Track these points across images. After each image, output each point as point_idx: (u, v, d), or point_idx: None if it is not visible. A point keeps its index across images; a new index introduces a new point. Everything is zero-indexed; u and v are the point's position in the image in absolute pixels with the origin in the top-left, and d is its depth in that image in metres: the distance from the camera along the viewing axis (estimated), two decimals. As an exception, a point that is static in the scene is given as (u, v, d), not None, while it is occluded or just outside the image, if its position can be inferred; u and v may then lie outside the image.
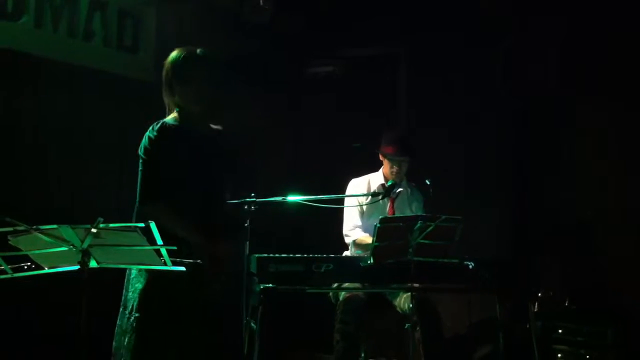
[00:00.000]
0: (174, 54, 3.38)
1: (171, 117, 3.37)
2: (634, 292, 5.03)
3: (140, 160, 3.26)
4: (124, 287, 3.27)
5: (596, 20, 5.39)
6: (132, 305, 3.18)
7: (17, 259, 2.84)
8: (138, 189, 3.24)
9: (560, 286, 5.20)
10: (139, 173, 3.25)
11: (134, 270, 3.22)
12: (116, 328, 3.24)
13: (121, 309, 3.25)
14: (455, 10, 5.78)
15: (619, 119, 5.32)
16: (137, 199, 3.24)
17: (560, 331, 4.93)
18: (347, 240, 4.68)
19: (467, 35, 5.75)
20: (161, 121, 3.32)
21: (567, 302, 5.13)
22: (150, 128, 3.29)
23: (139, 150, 3.27)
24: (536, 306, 4.95)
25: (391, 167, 4.65)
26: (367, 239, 4.51)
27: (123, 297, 3.26)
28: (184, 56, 3.34)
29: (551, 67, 5.68)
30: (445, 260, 3.90)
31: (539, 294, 4.95)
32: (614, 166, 5.35)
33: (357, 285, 4.16)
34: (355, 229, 4.66)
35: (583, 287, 5.25)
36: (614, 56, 5.35)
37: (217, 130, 3.46)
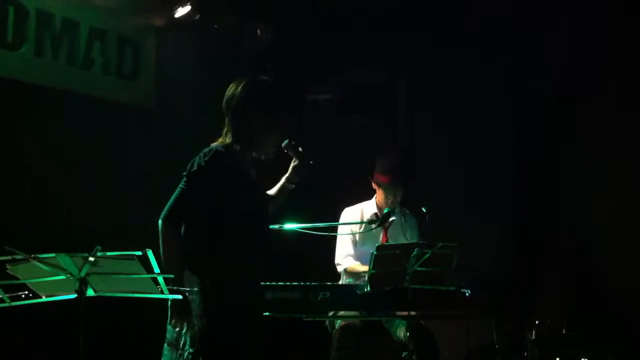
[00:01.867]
0: (258, 83, 3.28)
1: (228, 141, 3.23)
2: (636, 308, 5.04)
3: (183, 180, 3.15)
4: (168, 322, 3.16)
5: (596, 33, 5.42)
6: (185, 341, 3.10)
7: (14, 288, 2.86)
8: (167, 204, 3.16)
9: (558, 312, 5.19)
10: (177, 190, 3.16)
11: None
12: None
13: (165, 345, 3.16)
14: (453, 26, 5.81)
15: (619, 132, 5.35)
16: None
17: (558, 359, 4.91)
18: (339, 269, 4.64)
19: (467, 49, 5.79)
20: (214, 147, 3.19)
21: (565, 329, 5.12)
22: (202, 153, 3.16)
23: (187, 170, 3.16)
24: (534, 333, 4.94)
25: (386, 197, 4.61)
26: (359, 266, 4.50)
27: (169, 334, 3.16)
28: (274, 90, 3.28)
29: (550, 80, 5.73)
30: (442, 288, 3.91)
31: (537, 321, 4.94)
32: (614, 180, 5.37)
33: (354, 313, 4.17)
34: (346, 258, 4.61)
35: (584, 301, 5.24)
36: (614, 70, 5.38)
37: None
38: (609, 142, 5.38)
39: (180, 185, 3.17)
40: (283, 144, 3.35)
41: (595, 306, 5.22)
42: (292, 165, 3.41)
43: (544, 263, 5.50)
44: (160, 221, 3.13)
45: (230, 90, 3.28)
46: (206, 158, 3.14)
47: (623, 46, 5.34)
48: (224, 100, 3.28)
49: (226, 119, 3.27)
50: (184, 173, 3.17)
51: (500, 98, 5.92)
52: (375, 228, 4.47)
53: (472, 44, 5.79)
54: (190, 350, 3.07)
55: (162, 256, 3.04)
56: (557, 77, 5.71)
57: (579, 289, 5.30)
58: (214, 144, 3.23)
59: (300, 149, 3.37)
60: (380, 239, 4.62)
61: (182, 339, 3.12)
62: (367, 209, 4.71)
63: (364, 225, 4.58)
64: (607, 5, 5.37)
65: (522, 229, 5.77)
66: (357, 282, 4.31)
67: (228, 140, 3.24)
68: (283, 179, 3.44)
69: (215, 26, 5.51)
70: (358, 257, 4.58)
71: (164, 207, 3.20)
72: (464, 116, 5.89)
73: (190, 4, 5.30)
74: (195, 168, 3.14)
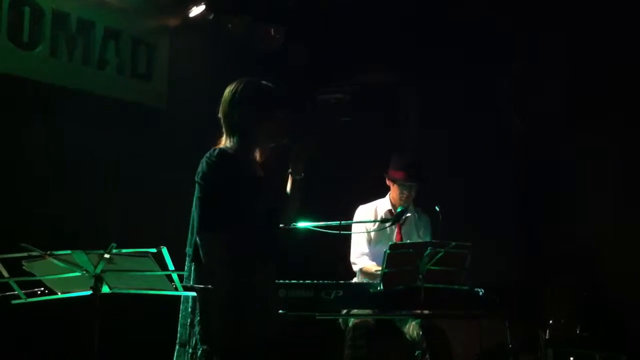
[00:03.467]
0: (247, 81, 3.31)
1: (228, 145, 3.27)
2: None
3: (198, 187, 3.16)
4: (179, 323, 3.21)
5: (598, 33, 5.43)
6: (195, 340, 3.12)
7: (30, 284, 2.88)
8: (196, 218, 3.14)
9: (571, 312, 5.18)
10: (197, 200, 3.15)
11: (190, 303, 3.17)
12: None
13: (177, 347, 3.19)
14: (456, 25, 5.83)
15: (621, 133, 5.35)
16: (196, 228, 3.13)
17: (572, 358, 4.90)
18: (355, 267, 4.69)
19: (469, 50, 5.80)
20: (218, 148, 3.23)
21: (578, 328, 5.10)
22: (208, 154, 3.20)
23: (196, 177, 3.18)
24: (547, 333, 4.93)
25: (401, 193, 4.64)
26: (373, 267, 4.52)
27: (180, 334, 3.20)
28: (264, 87, 3.30)
29: (553, 96, 5.73)
30: (455, 287, 3.90)
31: (550, 321, 4.93)
32: (615, 181, 5.36)
33: (366, 311, 4.17)
34: (362, 257, 4.65)
35: (595, 312, 5.23)
36: (616, 70, 5.38)
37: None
38: (611, 143, 5.38)
39: (197, 194, 3.17)
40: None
41: (601, 307, 5.21)
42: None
43: (548, 264, 5.51)
44: (200, 235, 3.10)
45: (224, 95, 3.33)
46: (214, 158, 3.17)
47: (625, 46, 5.34)
48: (220, 107, 3.32)
49: (222, 123, 3.31)
50: (196, 180, 3.18)
51: (501, 98, 5.93)
52: (389, 226, 4.49)
53: (473, 44, 5.80)
54: (203, 347, 3.09)
55: (213, 269, 3.05)
56: (558, 77, 5.72)
57: (585, 290, 5.30)
58: (218, 146, 3.27)
59: (288, 137, 3.34)
60: (395, 237, 4.64)
61: (194, 337, 3.15)
62: (381, 206, 4.75)
63: (377, 223, 4.60)
64: (608, 6, 5.36)
65: (525, 230, 5.78)
66: (373, 282, 4.32)
67: (227, 142, 3.28)
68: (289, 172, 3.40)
69: (230, 25, 5.53)
70: (373, 256, 4.60)
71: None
72: (466, 116, 5.90)
73: (205, 4, 5.34)
74: (206, 169, 3.16)
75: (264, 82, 3.34)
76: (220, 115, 3.31)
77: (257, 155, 3.34)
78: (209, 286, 3.08)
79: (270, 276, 3.30)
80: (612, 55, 5.40)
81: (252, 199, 3.20)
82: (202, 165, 3.19)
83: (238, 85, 3.30)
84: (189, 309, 3.18)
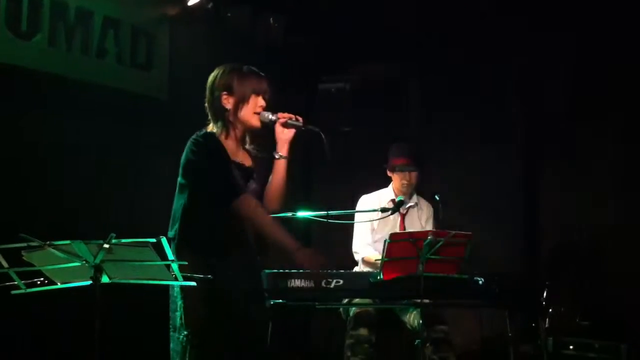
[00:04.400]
0: (227, 67, 3.36)
1: (214, 129, 3.33)
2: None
3: (194, 169, 3.23)
4: (170, 309, 3.27)
5: (598, 49, 5.46)
6: (181, 324, 3.20)
7: (30, 275, 2.88)
8: (213, 193, 3.20)
9: (571, 302, 5.19)
10: (205, 178, 3.21)
11: (176, 289, 3.22)
12: (171, 352, 3.25)
13: (171, 332, 3.26)
14: (461, 25, 5.82)
15: (620, 146, 5.36)
16: (220, 202, 3.19)
17: (571, 347, 4.91)
18: (357, 257, 4.71)
19: (475, 49, 5.80)
20: (203, 130, 3.31)
21: (578, 318, 5.11)
22: (194, 136, 3.27)
23: (185, 156, 3.25)
24: (547, 322, 4.94)
25: (401, 180, 4.67)
26: (374, 257, 4.53)
27: (171, 320, 3.26)
28: (245, 72, 3.33)
29: (554, 96, 5.74)
30: (455, 276, 3.90)
31: (550, 310, 4.94)
32: (616, 190, 5.37)
33: (367, 301, 4.17)
34: (364, 246, 4.67)
35: (595, 302, 5.24)
36: (621, 71, 5.39)
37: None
38: (611, 143, 5.38)
39: (180, 179, 3.26)
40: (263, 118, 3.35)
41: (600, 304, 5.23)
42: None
43: (549, 264, 5.52)
44: (232, 206, 3.18)
45: (207, 82, 3.38)
46: (200, 139, 3.25)
47: (626, 46, 5.33)
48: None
49: (208, 111, 3.37)
50: (190, 158, 3.23)
51: (508, 98, 5.93)
52: (390, 215, 4.49)
53: (480, 43, 5.78)
54: (185, 332, 3.17)
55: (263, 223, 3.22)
56: (558, 77, 5.71)
57: (585, 289, 5.31)
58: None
59: (270, 117, 3.34)
60: (398, 226, 4.65)
61: (176, 322, 3.21)
62: (384, 196, 4.77)
63: (379, 213, 4.60)
64: (609, 6, 5.36)
65: (525, 229, 5.79)
66: (373, 271, 4.33)
67: (213, 129, 3.33)
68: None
69: (229, 14, 5.51)
70: (376, 245, 4.61)
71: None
72: (471, 115, 5.90)
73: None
74: (195, 149, 3.23)
75: (245, 67, 3.37)
76: (205, 103, 3.37)
77: (248, 142, 3.38)
78: (209, 276, 3.10)
79: (252, 266, 3.34)
80: (612, 55, 5.40)
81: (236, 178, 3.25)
82: (189, 147, 3.25)
83: (218, 71, 3.36)
84: (174, 295, 3.25)
